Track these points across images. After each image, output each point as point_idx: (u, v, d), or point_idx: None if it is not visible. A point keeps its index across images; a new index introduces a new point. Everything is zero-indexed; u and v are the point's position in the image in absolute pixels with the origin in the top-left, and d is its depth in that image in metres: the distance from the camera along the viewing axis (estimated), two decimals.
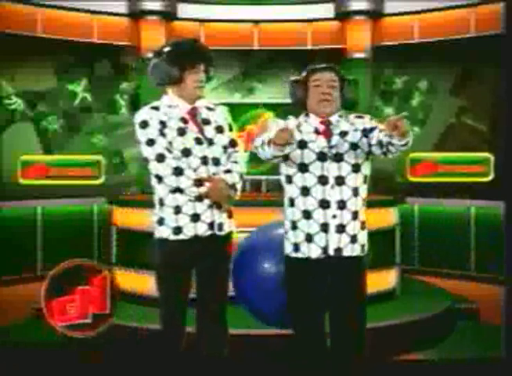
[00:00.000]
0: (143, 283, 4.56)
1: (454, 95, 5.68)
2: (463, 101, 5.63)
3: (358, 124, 2.68)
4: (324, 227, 2.59)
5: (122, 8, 5.98)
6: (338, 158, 2.60)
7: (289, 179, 2.68)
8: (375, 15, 6.02)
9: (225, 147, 2.86)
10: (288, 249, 2.70)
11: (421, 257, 5.52)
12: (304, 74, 2.69)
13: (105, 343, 3.86)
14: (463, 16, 5.59)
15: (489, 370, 2.76)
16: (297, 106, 2.71)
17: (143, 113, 2.77)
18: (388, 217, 5.16)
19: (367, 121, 2.70)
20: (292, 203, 2.67)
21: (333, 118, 2.67)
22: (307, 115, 2.70)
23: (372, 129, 2.63)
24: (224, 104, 3.04)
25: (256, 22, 6.21)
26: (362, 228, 2.67)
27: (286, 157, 2.66)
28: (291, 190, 2.68)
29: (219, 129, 2.85)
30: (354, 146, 2.63)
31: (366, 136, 2.64)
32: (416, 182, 5.30)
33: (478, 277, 5.22)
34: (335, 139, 2.63)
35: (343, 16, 6.06)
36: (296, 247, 2.66)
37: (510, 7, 3.17)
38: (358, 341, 2.69)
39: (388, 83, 6.01)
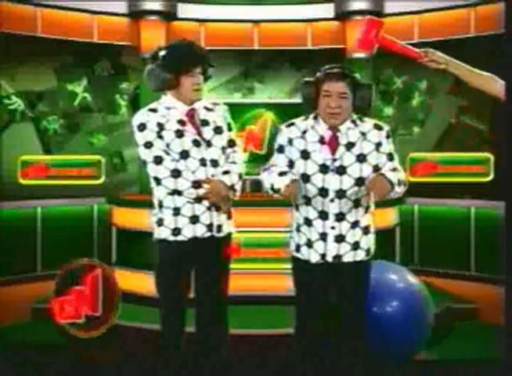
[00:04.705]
0: (143, 283, 4.56)
1: (454, 95, 5.67)
2: (462, 101, 5.62)
3: (373, 136, 2.64)
4: (323, 236, 2.60)
5: (122, 8, 5.97)
6: (341, 171, 2.57)
7: None
8: (375, 15, 6.01)
9: (223, 148, 2.85)
10: (292, 247, 2.73)
11: (421, 257, 5.51)
12: (317, 75, 2.62)
13: (105, 343, 3.87)
14: (463, 16, 5.59)
15: (489, 371, 2.75)
16: (308, 107, 2.67)
17: (141, 116, 2.77)
18: (388, 217, 5.17)
19: (383, 135, 2.65)
20: (297, 208, 2.69)
21: (343, 126, 2.61)
22: (316, 118, 2.67)
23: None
24: (224, 104, 3.03)
25: (256, 22, 6.20)
26: (366, 233, 2.66)
27: (290, 167, 2.66)
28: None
29: (218, 130, 2.84)
30: (361, 158, 2.59)
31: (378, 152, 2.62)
32: (416, 182, 5.28)
33: (478, 277, 5.21)
34: (340, 151, 2.60)
35: (343, 16, 6.06)
36: (298, 248, 2.68)
37: (510, 7, 3.16)
38: (357, 341, 2.69)
39: (388, 83, 6.00)
